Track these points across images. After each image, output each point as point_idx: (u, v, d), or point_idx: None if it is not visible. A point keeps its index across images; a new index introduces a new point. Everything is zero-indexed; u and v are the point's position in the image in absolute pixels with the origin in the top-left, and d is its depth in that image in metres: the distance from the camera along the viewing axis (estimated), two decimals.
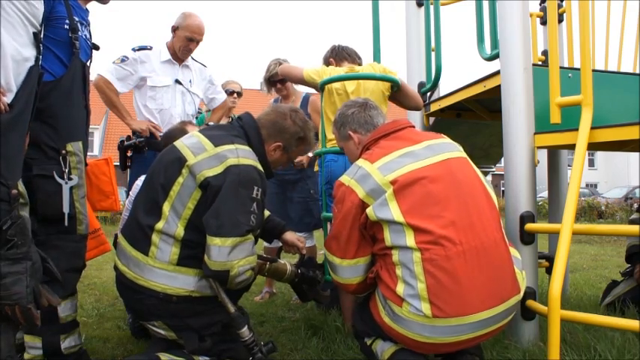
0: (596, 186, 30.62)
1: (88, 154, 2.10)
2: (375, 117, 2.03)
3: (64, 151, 1.90)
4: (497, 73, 2.36)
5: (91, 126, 4.15)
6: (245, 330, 1.87)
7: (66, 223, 1.90)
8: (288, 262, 2.26)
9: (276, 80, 3.39)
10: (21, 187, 1.54)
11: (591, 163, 33.62)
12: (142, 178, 2.29)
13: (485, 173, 3.64)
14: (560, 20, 3.26)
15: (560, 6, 3.13)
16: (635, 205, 10.44)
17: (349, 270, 1.85)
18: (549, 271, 3.05)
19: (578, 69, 2.02)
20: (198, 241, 1.83)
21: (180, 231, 1.85)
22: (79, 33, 1.97)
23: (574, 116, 2.02)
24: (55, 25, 1.87)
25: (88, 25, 2.10)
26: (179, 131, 2.49)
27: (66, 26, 1.92)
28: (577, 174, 1.90)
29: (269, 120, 2.08)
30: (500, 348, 2.09)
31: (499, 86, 2.31)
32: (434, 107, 3.09)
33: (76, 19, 1.97)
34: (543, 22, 3.39)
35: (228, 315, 1.87)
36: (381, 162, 1.80)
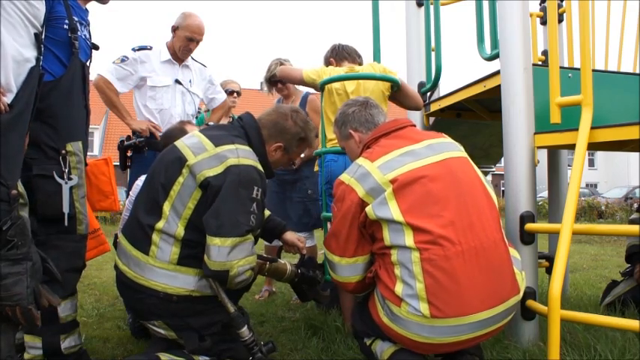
0: (596, 186, 30.62)
1: (88, 154, 2.10)
2: (376, 116, 2.03)
3: (63, 151, 1.90)
4: (497, 73, 2.36)
5: (91, 126, 4.15)
6: (245, 330, 1.87)
7: (66, 223, 1.90)
8: (288, 262, 2.26)
9: (277, 80, 3.39)
10: (20, 187, 1.54)
11: (591, 163, 33.62)
12: (143, 178, 2.29)
13: (486, 173, 3.64)
14: (560, 20, 3.26)
15: (560, 6, 3.13)
16: (635, 205, 10.44)
17: (348, 269, 1.85)
18: (549, 271, 3.05)
19: (578, 69, 2.02)
20: (199, 241, 1.83)
21: (180, 231, 1.85)
22: (79, 33, 1.97)
23: (574, 116, 2.02)
24: (55, 25, 1.88)
25: (88, 25, 2.10)
26: (178, 131, 2.49)
27: (65, 26, 1.92)
28: (577, 174, 1.90)
29: (270, 120, 2.08)
30: (500, 348, 2.09)
31: (499, 86, 2.31)
32: (434, 107, 3.09)
33: (76, 19, 1.97)
34: (543, 22, 3.39)
35: (228, 315, 1.87)
36: (381, 161, 1.80)
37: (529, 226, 2.14)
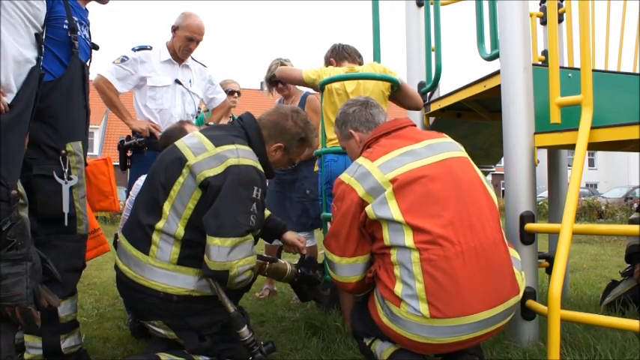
0: (596, 186, 30.63)
1: (88, 154, 2.10)
2: (377, 115, 2.03)
3: (63, 151, 1.90)
4: (497, 73, 2.36)
5: (91, 126, 4.15)
6: (245, 330, 1.87)
7: (66, 223, 1.90)
8: (288, 262, 2.26)
9: (277, 80, 3.39)
10: (20, 187, 1.54)
11: (591, 163, 33.63)
12: (143, 177, 2.29)
13: (486, 173, 3.64)
14: (560, 20, 3.26)
15: (560, 6, 3.13)
16: (635, 205, 10.43)
17: (348, 268, 1.85)
18: (549, 271, 3.05)
19: (578, 69, 2.02)
20: (199, 241, 1.83)
21: (180, 231, 1.85)
22: (78, 33, 1.97)
23: (574, 116, 2.02)
24: (54, 25, 1.87)
25: (88, 25, 2.10)
26: (178, 130, 2.49)
27: (65, 26, 1.92)
28: (577, 174, 1.90)
29: (270, 120, 2.08)
30: (500, 348, 2.09)
31: (499, 86, 2.31)
32: (434, 107, 3.09)
33: (75, 19, 1.97)
34: (543, 22, 3.39)
35: (228, 315, 1.87)
36: (381, 160, 1.80)
37: (529, 226, 2.14)
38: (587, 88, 1.96)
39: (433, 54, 3.02)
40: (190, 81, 3.17)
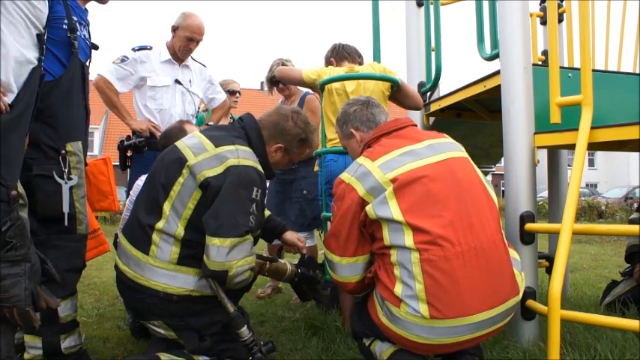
0: (596, 186, 30.63)
1: (88, 154, 2.10)
2: (378, 115, 2.03)
3: (63, 151, 1.90)
4: (497, 73, 2.36)
5: (91, 126, 4.15)
6: (244, 330, 1.87)
7: (66, 223, 1.90)
8: (288, 261, 2.26)
9: (278, 80, 3.39)
10: (20, 188, 1.54)
11: (591, 163, 33.62)
12: (143, 177, 2.29)
13: (486, 173, 3.64)
14: (560, 20, 3.26)
15: (560, 6, 3.13)
16: (635, 205, 10.44)
17: (348, 268, 1.85)
18: (549, 271, 3.05)
19: (578, 69, 2.02)
20: (199, 241, 1.83)
21: (180, 231, 1.85)
22: (78, 33, 1.97)
23: (574, 116, 2.02)
24: (54, 25, 1.87)
25: (87, 25, 2.10)
26: (177, 130, 2.49)
27: (64, 26, 1.92)
28: (577, 174, 1.90)
29: (270, 121, 2.08)
30: (500, 348, 2.09)
31: (499, 86, 2.31)
32: (434, 107, 3.09)
33: (75, 19, 1.97)
34: (543, 22, 3.39)
35: (227, 315, 1.87)
36: (381, 160, 1.79)
37: (529, 226, 2.14)
38: (587, 88, 1.96)
39: (433, 54, 3.02)
40: (190, 81, 3.17)
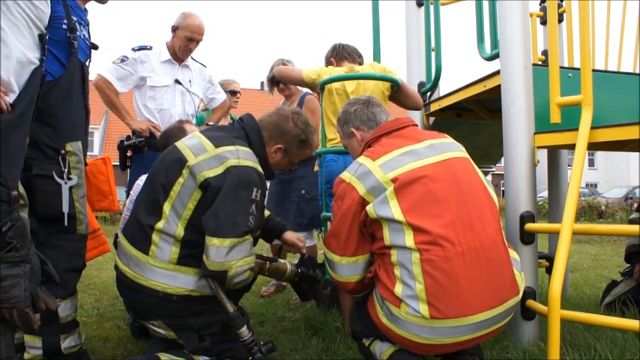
0: (596, 186, 30.63)
1: (88, 154, 2.10)
2: (378, 114, 2.03)
3: (63, 151, 1.90)
4: (497, 73, 2.35)
5: (91, 126, 4.15)
6: (244, 330, 1.86)
7: (65, 223, 1.90)
8: (288, 261, 2.26)
9: (279, 80, 3.39)
10: (20, 188, 1.54)
11: (591, 163, 33.62)
12: (144, 177, 2.29)
13: (486, 173, 3.64)
14: (560, 20, 3.26)
15: (560, 6, 3.13)
16: (635, 205, 10.43)
17: (348, 268, 1.85)
18: (549, 271, 3.05)
19: (578, 69, 2.02)
20: (198, 241, 1.83)
21: (180, 231, 1.85)
22: (77, 33, 1.97)
23: (574, 116, 2.02)
24: (53, 25, 1.87)
25: (87, 24, 2.10)
26: (177, 130, 2.49)
27: (64, 26, 1.92)
28: (577, 174, 1.90)
29: (271, 122, 2.08)
30: (500, 348, 2.09)
31: (499, 86, 2.31)
32: (434, 107, 3.09)
33: (75, 18, 1.97)
34: (543, 22, 3.39)
35: (227, 315, 1.87)
36: (382, 160, 1.79)
37: (529, 226, 2.14)
38: (587, 88, 1.96)
39: (433, 54, 3.02)
40: (190, 81, 3.17)
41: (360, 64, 2.79)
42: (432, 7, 2.97)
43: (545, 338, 1.85)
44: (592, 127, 1.96)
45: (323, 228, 2.59)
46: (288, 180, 3.45)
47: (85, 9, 2.12)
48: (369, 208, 1.74)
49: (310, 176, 3.33)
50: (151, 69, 3.02)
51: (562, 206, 2.32)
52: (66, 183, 1.89)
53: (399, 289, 1.66)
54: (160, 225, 1.86)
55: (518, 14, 2.23)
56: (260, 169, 1.92)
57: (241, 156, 1.87)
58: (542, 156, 2.66)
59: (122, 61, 2.98)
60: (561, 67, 2.24)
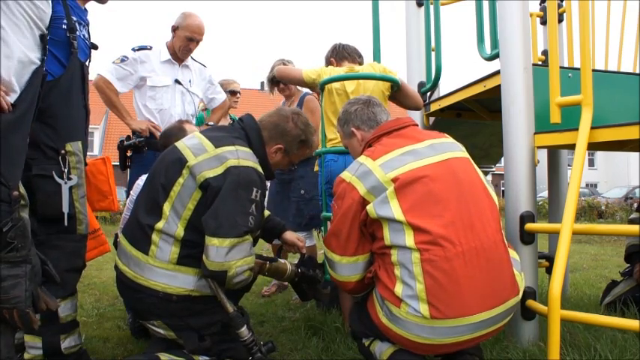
0: (596, 186, 30.63)
1: (88, 154, 2.10)
2: (379, 114, 2.03)
3: (63, 151, 1.90)
4: (497, 73, 2.35)
5: (91, 126, 4.15)
6: (244, 330, 1.86)
7: (65, 223, 1.90)
8: (288, 261, 2.26)
9: (279, 80, 3.39)
10: (21, 188, 1.54)
11: (591, 163, 33.63)
12: (144, 177, 2.29)
13: (486, 173, 3.64)
14: (560, 20, 3.26)
15: (560, 6, 3.13)
16: (635, 205, 10.43)
17: (348, 267, 1.85)
18: (549, 271, 3.05)
19: (578, 69, 2.02)
20: (198, 242, 1.83)
21: (180, 231, 1.85)
22: (77, 33, 1.97)
23: (574, 116, 2.02)
24: (53, 25, 1.86)
25: (87, 24, 2.10)
26: (177, 130, 2.49)
27: (64, 26, 1.92)
28: (577, 174, 1.90)
29: (271, 122, 2.08)
30: (500, 348, 2.09)
31: (499, 86, 2.31)
32: (434, 107, 3.09)
33: (74, 18, 1.97)
34: (543, 22, 3.39)
35: (227, 315, 1.87)
36: (382, 159, 1.79)
37: (529, 226, 2.14)
38: (587, 88, 1.96)
39: (433, 54, 3.02)
40: (190, 81, 3.17)
41: (360, 64, 2.79)
42: (432, 7, 2.97)
43: (545, 338, 1.85)
44: (592, 127, 1.96)
45: (323, 228, 2.59)
46: (288, 180, 3.45)
47: (85, 9, 2.12)
48: (369, 207, 1.74)
49: (310, 176, 3.33)
50: (150, 69, 3.02)
51: (562, 206, 2.32)
52: (66, 183, 1.89)
53: (399, 288, 1.66)
54: (159, 225, 1.86)
55: (518, 14, 2.23)
56: (260, 169, 1.92)
57: (241, 156, 1.87)
58: (542, 156, 2.66)
59: (122, 61, 2.98)
60: (561, 67, 2.24)
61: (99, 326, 2.79)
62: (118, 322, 2.85)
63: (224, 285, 1.84)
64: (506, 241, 1.79)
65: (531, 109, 2.21)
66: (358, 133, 2.03)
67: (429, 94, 3.20)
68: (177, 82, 3.08)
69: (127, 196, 2.71)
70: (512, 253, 1.84)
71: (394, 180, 1.72)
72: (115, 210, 2.47)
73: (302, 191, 3.38)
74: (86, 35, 2.07)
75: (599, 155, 33.20)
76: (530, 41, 2.59)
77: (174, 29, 3.07)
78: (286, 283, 3.67)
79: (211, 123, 3.45)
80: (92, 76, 2.43)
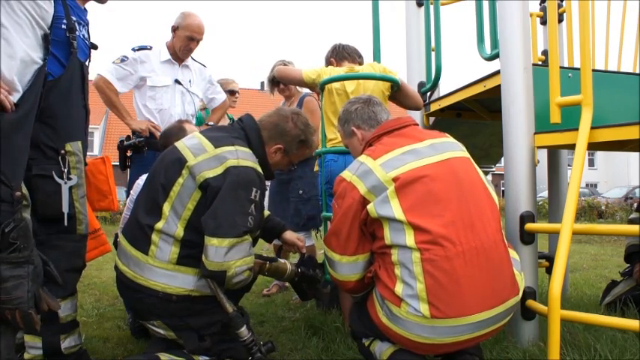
0: (596, 186, 30.64)
1: (88, 154, 2.09)
2: (379, 113, 2.03)
3: (63, 151, 1.90)
4: (497, 73, 2.35)
5: (91, 126, 4.15)
6: (244, 330, 1.86)
7: (65, 223, 1.89)
8: (288, 261, 2.26)
9: (279, 80, 3.39)
10: (23, 188, 1.54)
11: (591, 163, 33.63)
12: (144, 176, 2.29)
13: (486, 173, 3.64)
14: (560, 20, 3.26)
15: (560, 6, 3.12)
16: (635, 205, 10.43)
17: (348, 267, 1.85)
18: (549, 271, 3.05)
19: (578, 69, 2.02)
20: (198, 242, 1.83)
21: (179, 231, 1.85)
22: (77, 33, 1.96)
23: (574, 116, 2.02)
24: (53, 24, 1.86)
25: (87, 24, 2.09)
26: (177, 130, 2.49)
27: (63, 26, 1.91)
28: (577, 174, 1.90)
29: (270, 122, 2.08)
30: (500, 348, 2.09)
31: (499, 86, 2.31)
32: (434, 107, 3.09)
33: (74, 18, 1.97)
34: (543, 22, 3.39)
35: (227, 315, 1.87)
36: (383, 159, 1.79)
37: (529, 226, 2.14)
38: (587, 88, 1.96)
39: (433, 54, 3.02)
40: (190, 81, 3.17)
41: (360, 64, 2.79)
42: (432, 7, 2.97)
43: (545, 338, 1.84)
44: (592, 127, 1.96)
45: (323, 228, 2.59)
46: (286, 180, 3.45)
47: (85, 9, 2.11)
48: (369, 207, 1.74)
49: (308, 177, 3.33)
50: (150, 69, 3.03)
51: (562, 206, 2.32)
52: (66, 183, 1.89)
53: (399, 288, 1.66)
54: (159, 225, 1.86)
55: (518, 14, 2.23)
56: (259, 169, 1.92)
57: (241, 156, 1.87)
58: (542, 156, 2.67)
59: (122, 61, 2.98)
60: (561, 67, 2.24)
61: (99, 326, 2.79)
62: (118, 322, 2.85)
63: (223, 285, 1.84)
64: (506, 241, 1.79)
65: (531, 109, 2.21)
66: (359, 132, 2.03)
67: (429, 94, 3.20)
68: (177, 82, 3.08)
69: (127, 196, 2.71)
70: (512, 253, 1.84)
71: (395, 179, 1.72)
72: (115, 209, 2.47)
73: (300, 191, 3.38)
74: (86, 35, 2.07)
75: (599, 155, 33.21)
76: (530, 41, 2.59)
77: (174, 29, 3.07)
78: (287, 284, 3.67)
79: (211, 123, 3.45)
80: (92, 76, 2.43)
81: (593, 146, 2.10)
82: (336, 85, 2.56)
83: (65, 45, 1.93)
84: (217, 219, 1.78)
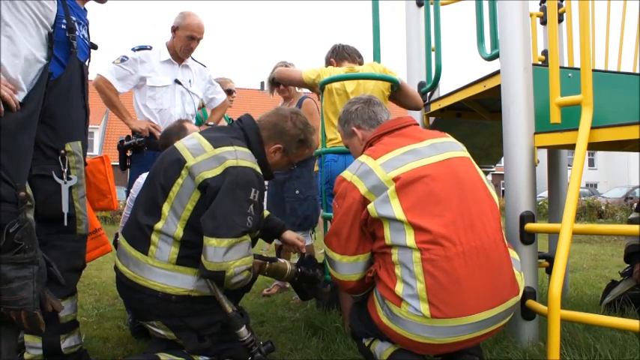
0: (596, 186, 30.64)
1: (88, 154, 2.09)
2: (379, 113, 2.03)
3: (62, 151, 1.90)
4: (497, 73, 2.35)
5: (91, 126, 4.16)
6: (243, 330, 1.86)
7: (65, 223, 1.89)
8: (288, 261, 2.26)
9: (279, 81, 3.39)
10: (27, 189, 1.53)
11: (591, 163, 33.63)
12: (144, 176, 2.29)
13: (486, 173, 3.64)
14: (560, 20, 3.26)
15: (560, 6, 3.12)
16: (635, 205, 10.43)
17: (348, 267, 1.85)
18: (549, 271, 3.05)
19: (578, 69, 2.02)
20: (197, 242, 1.83)
21: (179, 232, 1.85)
22: (77, 32, 1.96)
23: (574, 116, 2.02)
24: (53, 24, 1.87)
25: (87, 24, 2.09)
26: (177, 129, 2.49)
27: (63, 26, 1.91)
28: (577, 174, 1.90)
29: (270, 122, 2.08)
30: (500, 348, 2.09)
31: (499, 86, 2.31)
32: (434, 107, 3.09)
33: (74, 18, 1.96)
34: (543, 22, 3.39)
35: (226, 315, 1.87)
36: (383, 159, 1.79)
37: (529, 226, 2.14)
38: (587, 88, 1.96)
39: (433, 54, 3.02)
40: (190, 81, 3.17)
41: (360, 64, 2.79)
42: (432, 7, 2.97)
43: (545, 338, 1.84)
44: (592, 127, 1.95)
45: (323, 228, 2.59)
46: (283, 180, 3.46)
47: (85, 9, 2.11)
48: (370, 207, 1.74)
49: (305, 176, 3.33)
50: (150, 69, 3.03)
51: (562, 206, 2.32)
52: (65, 183, 1.89)
53: (399, 288, 1.66)
54: (159, 225, 1.86)
55: (518, 14, 2.22)
56: (258, 169, 1.92)
57: (240, 156, 1.87)
58: (542, 156, 2.66)
59: (122, 61, 2.98)
60: (561, 67, 2.24)
61: (99, 326, 2.79)
62: (118, 322, 2.85)
63: (222, 285, 1.84)
64: (506, 241, 1.79)
65: (531, 109, 2.20)
66: (359, 132, 2.02)
67: (429, 94, 3.20)
68: (177, 82, 3.08)
69: (127, 196, 2.71)
70: (512, 253, 1.84)
71: (395, 179, 1.72)
72: (115, 209, 2.47)
73: (297, 191, 3.39)
74: (85, 35, 2.07)
75: (599, 155, 33.21)
76: (530, 41, 2.59)
77: (174, 29, 3.07)
78: (287, 285, 3.67)
79: (211, 123, 3.45)
80: (92, 76, 2.43)
81: (593, 146, 2.10)
82: (336, 85, 2.56)
83: (65, 45, 1.92)
84: (216, 219, 1.78)
